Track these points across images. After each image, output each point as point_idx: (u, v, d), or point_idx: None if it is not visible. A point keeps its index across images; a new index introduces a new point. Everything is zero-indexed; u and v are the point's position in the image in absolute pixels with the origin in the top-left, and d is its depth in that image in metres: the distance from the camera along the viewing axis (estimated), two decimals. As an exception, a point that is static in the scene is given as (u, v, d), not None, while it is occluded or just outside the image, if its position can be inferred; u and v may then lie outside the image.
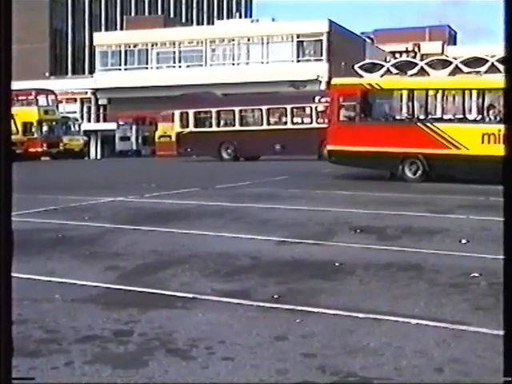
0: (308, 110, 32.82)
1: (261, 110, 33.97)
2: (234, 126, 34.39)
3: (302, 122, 32.87)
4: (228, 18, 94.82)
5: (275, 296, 6.12)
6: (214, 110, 34.87)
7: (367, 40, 72.49)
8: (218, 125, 34.86)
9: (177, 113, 36.04)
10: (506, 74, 2.84)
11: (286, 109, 33.22)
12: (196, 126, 35.18)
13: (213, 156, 34.15)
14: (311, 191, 16.24)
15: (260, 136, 32.56)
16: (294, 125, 32.63)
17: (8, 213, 2.35)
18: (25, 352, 4.57)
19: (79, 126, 49.42)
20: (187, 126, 35.16)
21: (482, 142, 17.71)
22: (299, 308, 5.70)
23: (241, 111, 34.54)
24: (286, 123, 33.03)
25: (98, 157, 51.67)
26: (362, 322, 5.34)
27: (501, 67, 16.89)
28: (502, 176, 2.83)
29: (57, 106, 45.69)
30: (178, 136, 36.08)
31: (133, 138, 51.11)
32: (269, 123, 33.86)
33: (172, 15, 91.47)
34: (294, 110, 33.08)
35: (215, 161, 33.10)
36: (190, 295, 6.16)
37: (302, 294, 6.27)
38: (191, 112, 35.10)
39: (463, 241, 8.98)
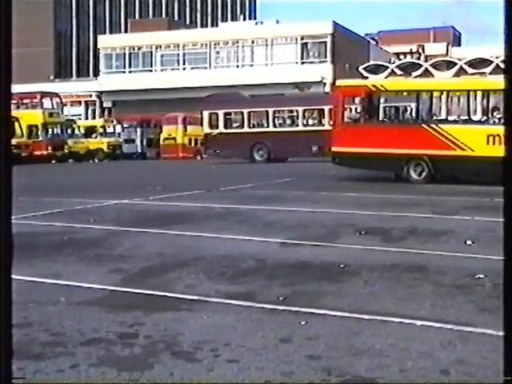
0: None
1: (297, 110, 33.62)
2: (268, 126, 33.93)
3: None
4: (232, 20, 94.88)
5: (280, 298, 6.11)
6: (245, 110, 34.38)
7: (371, 41, 72.48)
8: (250, 126, 34.42)
9: (205, 114, 35.47)
10: (505, 75, 2.82)
11: (323, 110, 32.87)
12: (226, 127, 34.75)
13: (244, 158, 33.60)
14: (316, 193, 16.24)
15: (295, 137, 32.15)
16: (331, 126, 31.95)
17: (8, 215, 2.35)
18: (30, 355, 4.58)
19: (114, 127, 48.83)
20: (217, 127, 34.66)
21: (487, 144, 17.70)
22: (304, 310, 5.70)
23: (275, 112, 34.09)
24: (323, 124, 32.58)
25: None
26: (367, 323, 5.33)
27: (505, 68, 16.86)
28: (502, 177, 2.82)
29: (61, 109, 45.81)
30: (207, 137, 35.64)
31: (137, 141, 51.05)
32: (305, 124, 33.52)
33: (176, 18, 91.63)
34: (332, 111, 32.52)
35: (226, 163, 32.87)
36: (195, 297, 6.16)
37: (307, 295, 6.26)
38: (221, 113, 34.64)
39: (468, 242, 8.97)
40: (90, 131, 47.40)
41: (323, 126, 32.12)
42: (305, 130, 32.96)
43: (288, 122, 34.57)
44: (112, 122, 48.83)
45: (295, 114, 33.83)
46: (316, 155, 31.69)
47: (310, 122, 34.30)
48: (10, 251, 2.43)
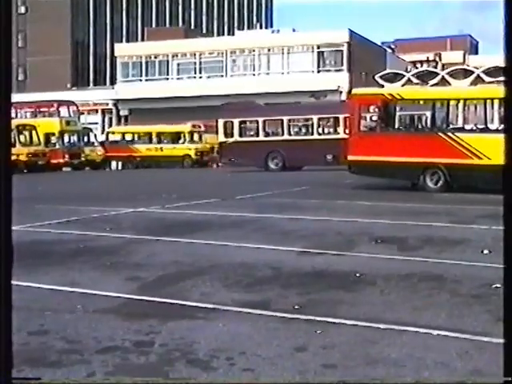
0: None
1: (312, 119, 33.60)
2: (283, 135, 33.94)
3: None
4: (249, 28, 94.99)
5: (296, 307, 6.11)
6: (260, 119, 34.39)
7: (388, 50, 72.37)
8: (265, 134, 34.47)
9: (220, 122, 35.54)
10: (505, 84, 2.80)
11: (338, 118, 32.71)
12: (241, 135, 34.80)
13: (259, 166, 33.50)
14: (332, 201, 16.22)
15: (310, 146, 32.04)
16: (347, 135, 31.59)
17: (8, 223, 2.38)
18: (46, 362, 4.59)
19: (200, 136, 46.83)
20: (232, 136, 34.67)
21: (504, 152, 17.58)
22: (320, 319, 5.69)
23: (289, 120, 34.07)
24: (338, 133, 32.20)
25: (119, 167, 51.72)
26: (383, 332, 5.32)
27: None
28: (503, 185, 2.79)
29: (78, 117, 45.97)
30: (221, 146, 35.70)
31: (153, 149, 50.93)
32: (320, 133, 33.48)
33: (193, 26, 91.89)
34: (347, 119, 32.29)
35: (241, 171, 32.85)
36: (211, 306, 6.17)
37: (323, 304, 6.25)
38: (236, 121, 34.68)
39: (485, 251, 8.92)
40: (175, 137, 45.97)
41: (338, 134, 31.93)
42: (320, 138, 32.88)
43: (303, 130, 34.53)
44: (199, 127, 46.74)
45: (310, 122, 33.77)
46: (331, 164, 31.50)
47: (326, 130, 34.25)
48: (9, 256, 2.45)
